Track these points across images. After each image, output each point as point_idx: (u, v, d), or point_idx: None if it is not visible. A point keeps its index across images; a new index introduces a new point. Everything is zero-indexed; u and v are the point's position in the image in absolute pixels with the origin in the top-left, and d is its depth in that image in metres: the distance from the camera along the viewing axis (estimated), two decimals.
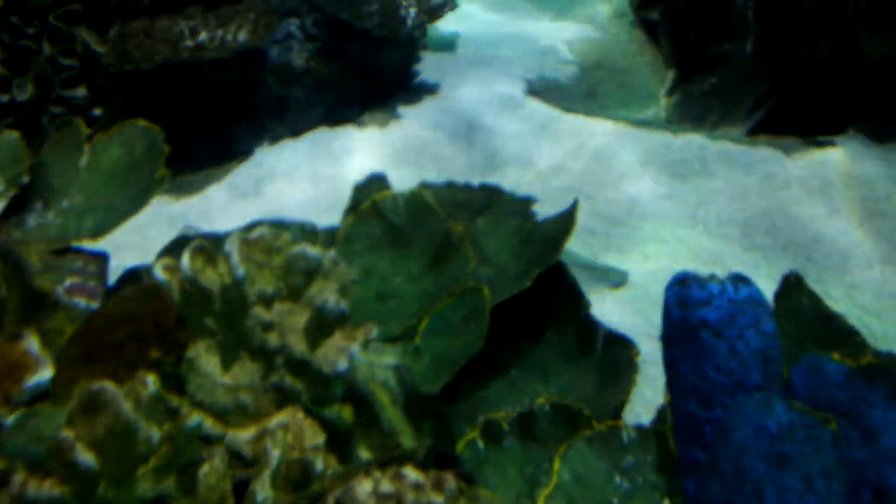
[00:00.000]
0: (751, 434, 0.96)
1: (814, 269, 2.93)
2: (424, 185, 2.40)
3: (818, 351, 1.57)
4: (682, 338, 1.20)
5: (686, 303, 1.19)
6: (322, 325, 1.45)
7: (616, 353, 1.93)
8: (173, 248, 2.04)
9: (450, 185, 2.38)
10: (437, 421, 1.66)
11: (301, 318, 1.47)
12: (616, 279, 3.03)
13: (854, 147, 3.57)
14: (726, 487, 0.95)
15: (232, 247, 1.49)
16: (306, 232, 2.25)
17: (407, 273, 2.12)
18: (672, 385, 1.23)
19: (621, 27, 4.97)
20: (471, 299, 1.84)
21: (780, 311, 1.58)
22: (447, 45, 4.97)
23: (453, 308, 1.83)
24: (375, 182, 2.44)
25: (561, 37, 4.93)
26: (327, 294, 1.47)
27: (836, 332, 1.57)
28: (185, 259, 1.48)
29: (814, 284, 2.86)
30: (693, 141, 3.65)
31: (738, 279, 1.22)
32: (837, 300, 2.78)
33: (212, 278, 1.50)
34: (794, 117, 3.83)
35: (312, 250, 1.51)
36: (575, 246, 3.02)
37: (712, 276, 1.23)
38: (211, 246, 1.54)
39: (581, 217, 3.06)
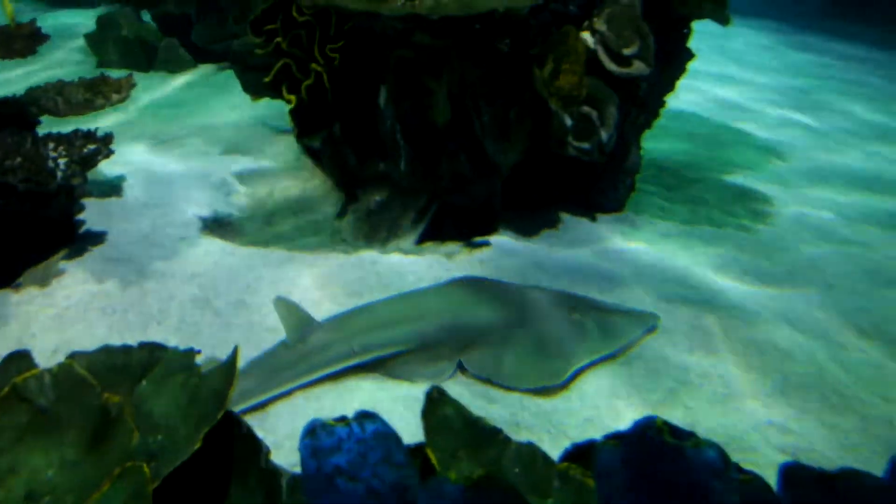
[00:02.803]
0: None
1: None
2: (75, 356, 2.21)
3: (467, 458, 1.69)
4: (322, 488, 1.22)
5: (318, 452, 1.22)
6: None
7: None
8: None
9: (106, 350, 2.22)
10: None
11: None
12: (652, 322, 3.42)
13: (503, 245, 4.04)
14: None
15: None
16: None
17: (61, 461, 1.91)
18: None
19: (291, 156, 5.16)
20: (131, 480, 1.71)
21: (430, 427, 1.69)
22: (113, 189, 4.76)
23: (112, 495, 1.68)
24: (16, 361, 2.19)
25: (232, 170, 4.98)
26: None
27: (482, 436, 1.70)
28: None
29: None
30: (365, 257, 3.85)
31: (364, 417, 1.28)
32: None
33: None
34: (453, 223, 4.23)
35: None
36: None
37: (341, 419, 1.28)
38: None
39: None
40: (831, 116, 7.84)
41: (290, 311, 3.11)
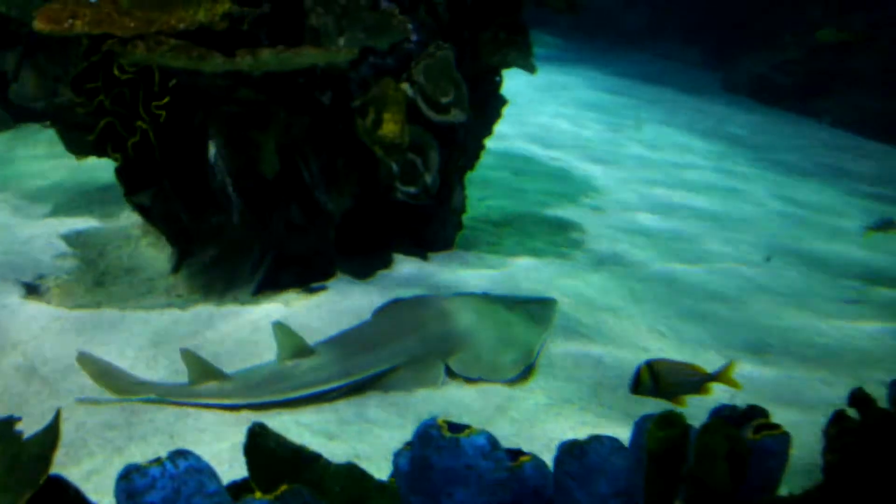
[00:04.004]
0: None
1: None
2: None
3: (295, 483, 1.83)
4: None
5: (132, 494, 1.32)
6: None
7: None
8: None
9: None
10: None
11: None
12: (552, 306, 3.98)
13: (340, 288, 4.20)
14: None
15: None
16: None
17: None
18: None
19: (122, 214, 5.07)
20: None
21: (253, 461, 1.80)
22: None
23: None
24: None
25: (59, 232, 4.83)
26: None
27: (303, 462, 1.84)
28: None
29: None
30: (201, 311, 3.88)
31: (178, 454, 1.39)
32: None
33: None
34: (291, 270, 4.33)
35: None
36: None
37: (155, 460, 1.39)
38: None
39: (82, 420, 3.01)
40: (637, 153, 8.66)
41: (286, 335, 3.32)
